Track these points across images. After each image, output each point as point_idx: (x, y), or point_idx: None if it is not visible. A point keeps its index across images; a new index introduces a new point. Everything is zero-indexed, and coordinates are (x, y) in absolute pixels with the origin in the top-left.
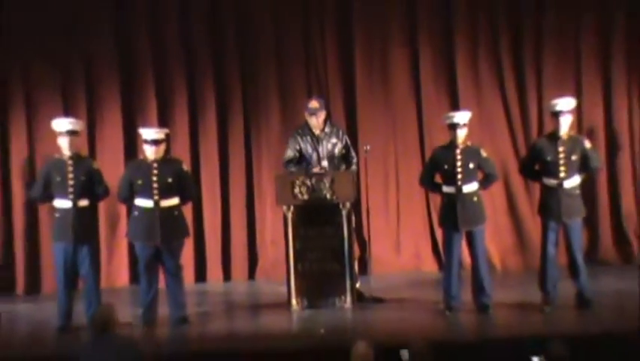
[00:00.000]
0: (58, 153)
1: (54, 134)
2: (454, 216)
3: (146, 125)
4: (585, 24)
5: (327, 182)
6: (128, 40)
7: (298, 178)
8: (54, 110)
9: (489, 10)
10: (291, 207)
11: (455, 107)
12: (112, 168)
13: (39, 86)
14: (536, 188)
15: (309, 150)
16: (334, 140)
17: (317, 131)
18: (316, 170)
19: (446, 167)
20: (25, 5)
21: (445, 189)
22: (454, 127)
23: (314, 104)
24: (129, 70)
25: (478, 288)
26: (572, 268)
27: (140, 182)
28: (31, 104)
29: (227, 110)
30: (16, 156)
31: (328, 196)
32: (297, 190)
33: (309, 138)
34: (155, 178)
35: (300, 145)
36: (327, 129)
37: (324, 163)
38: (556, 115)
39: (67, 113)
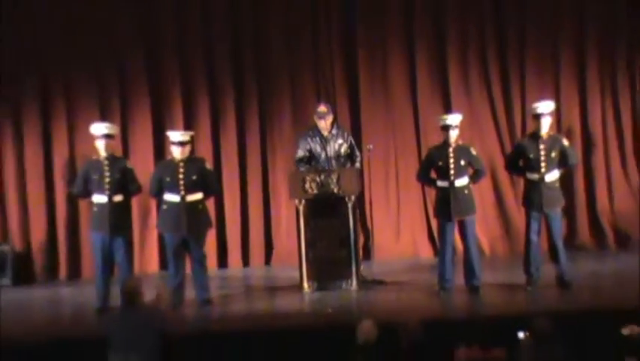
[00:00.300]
0: (95, 154)
1: (91, 138)
2: (447, 208)
3: (173, 128)
4: (562, 36)
5: (334, 178)
6: (156, 52)
7: (308, 175)
8: (91, 116)
9: (478, 23)
10: (302, 201)
11: (448, 109)
12: (143, 167)
13: (78, 95)
14: (520, 182)
15: (318, 149)
16: (340, 140)
17: (325, 133)
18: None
19: (440, 164)
20: (65, 24)
21: (440, 183)
22: (446, 128)
23: (323, 108)
24: (158, 79)
25: (469, 271)
26: (553, 253)
27: (168, 179)
28: (71, 111)
29: (245, 115)
30: (58, 156)
31: (335, 191)
32: (307, 186)
33: (318, 139)
34: (181, 176)
35: (309, 145)
36: (334, 131)
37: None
38: (537, 117)
39: (103, 118)
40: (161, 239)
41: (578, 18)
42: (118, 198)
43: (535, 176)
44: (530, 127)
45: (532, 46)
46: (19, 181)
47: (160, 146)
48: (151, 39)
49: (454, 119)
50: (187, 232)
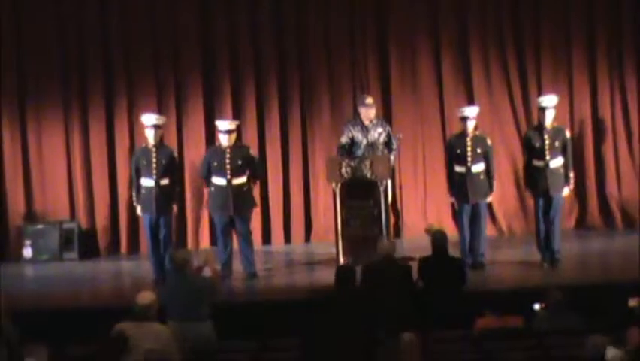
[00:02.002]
0: (145, 142)
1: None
2: (465, 191)
3: (222, 117)
4: (574, 35)
5: (367, 164)
6: (209, 50)
7: (344, 161)
8: (150, 106)
9: (497, 24)
10: (339, 184)
11: (471, 101)
12: (196, 154)
13: (138, 90)
14: None
15: (360, 137)
16: (380, 129)
17: (366, 122)
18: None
19: (458, 151)
20: (133, 23)
21: (457, 169)
22: (464, 119)
23: (370, 99)
24: (209, 74)
25: (477, 249)
26: (548, 232)
27: (215, 164)
28: (131, 105)
29: (288, 105)
30: (120, 143)
31: (368, 175)
32: (343, 170)
33: (359, 127)
34: (227, 161)
35: (352, 133)
36: (374, 121)
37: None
38: (542, 110)
39: (159, 109)
40: (211, 217)
41: (588, 18)
42: (164, 181)
43: (540, 163)
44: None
45: (547, 44)
46: (85, 166)
47: (211, 134)
48: (204, 39)
49: (471, 111)
50: (233, 211)
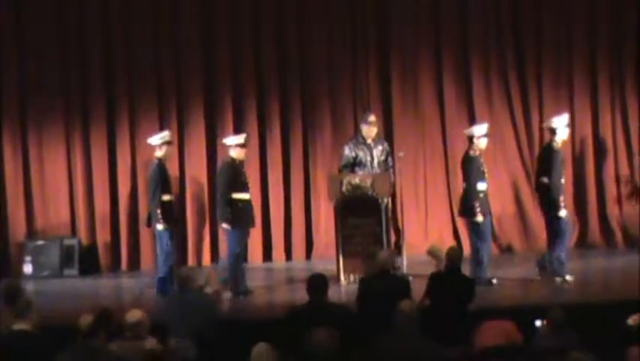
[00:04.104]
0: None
1: (151, 148)
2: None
3: (224, 136)
4: (575, 54)
5: (368, 181)
6: (211, 68)
7: (345, 178)
8: (152, 123)
9: (499, 43)
10: (340, 202)
11: (472, 119)
12: (196, 169)
13: (140, 106)
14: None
15: (365, 156)
16: (380, 147)
17: (368, 140)
18: None
19: (482, 169)
20: (136, 40)
21: (480, 186)
22: (486, 136)
23: (373, 117)
24: (211, 91)
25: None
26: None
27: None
28: (133, 121)
29: (289, 123)
30: (122, 160)
31: (369, 193)
32: (344, 188)
33: (362, 146)
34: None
35: (354, 152)
36: (375, 139)
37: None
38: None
39: (161, 126)
40: (214, 234)
41: (589, 38)
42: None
43: None
44: (547, 135)
45: (549, 63)
46: (86, 182)
47: (212, 151)
48: (206, 57)
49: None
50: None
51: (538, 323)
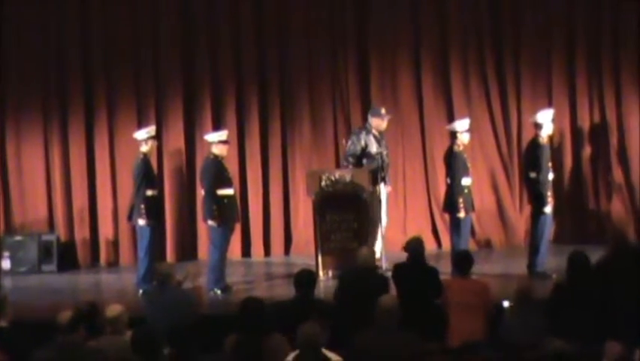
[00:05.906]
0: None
1: (131, 138)
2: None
3: (202, 132)
4: (554, 50)
5: (347, 177)
6: (190, 63)
7: (324, 173)
8: (130, 120)
9: (478, 39)
10: (319, 197)
11: (451, 116)
12: (175, 164)
13: (118, 102)
14: (516, 181)
15: (375, 147)
16: (384, 141)
17: (376, 132)
18: None
19: (468, 165)
20: (114, 35)
21: (465, 181)
22: (469, 132)
23: (384, 110)
24: (190, 87)
25: None
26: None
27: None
28: (111, 116)
29: (268, 119)
30: (100, 155)
31: (348, 188)
32: (323, 183)
33: (371, 137)
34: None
35: (364, 142)
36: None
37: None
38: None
39: (139, 121)
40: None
41: (567, 35)
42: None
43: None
44: (528, 131)
45: (527, 59)
46: (64, 178)
47: (191, 145)
48: (185, 51)
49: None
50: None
51: (505, 303)
